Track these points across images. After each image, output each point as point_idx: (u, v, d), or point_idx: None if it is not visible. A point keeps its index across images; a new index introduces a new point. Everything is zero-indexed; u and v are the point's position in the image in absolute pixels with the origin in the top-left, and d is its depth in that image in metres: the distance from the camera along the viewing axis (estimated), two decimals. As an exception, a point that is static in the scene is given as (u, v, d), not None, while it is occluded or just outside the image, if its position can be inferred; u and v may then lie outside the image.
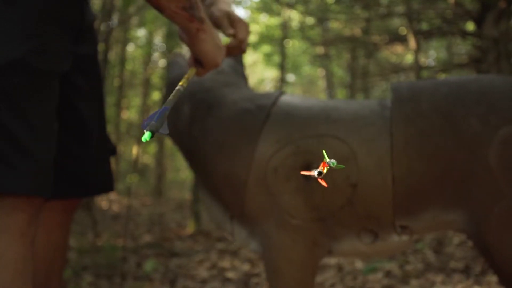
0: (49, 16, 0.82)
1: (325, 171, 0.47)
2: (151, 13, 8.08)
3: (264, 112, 1.07)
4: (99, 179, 0.99)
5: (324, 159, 0.47)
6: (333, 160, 0.47)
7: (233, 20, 0.95)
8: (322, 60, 7.30)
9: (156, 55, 9.98)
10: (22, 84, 0.76)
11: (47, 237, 0.96)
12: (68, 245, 1.03)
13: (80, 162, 0.94)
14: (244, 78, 1.24)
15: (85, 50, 0.95)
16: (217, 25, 0.95)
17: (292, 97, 1.12)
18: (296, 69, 10.48)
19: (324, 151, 0.48)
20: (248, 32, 0.95)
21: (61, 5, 0.85)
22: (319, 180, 0.48)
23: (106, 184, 1.01)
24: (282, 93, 1.14)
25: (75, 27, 0.89)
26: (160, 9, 0.77)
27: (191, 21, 0.78)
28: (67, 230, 1.01)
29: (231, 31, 0.94)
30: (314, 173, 0.47)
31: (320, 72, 8.26)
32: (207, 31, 0.81)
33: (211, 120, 1.10)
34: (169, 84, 1.24)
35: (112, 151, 1.04)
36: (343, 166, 0.49)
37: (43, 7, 0.81)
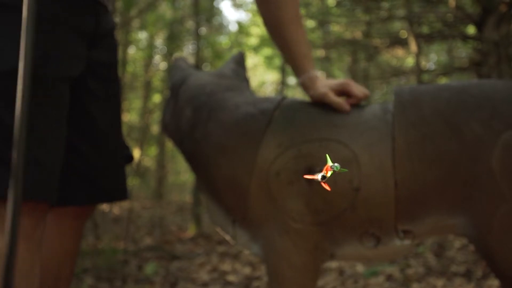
0: (56, 22, 0.82)
1: (328, 175, 0.47)
2: (152, 15, 8.09)
3: (266, 116, 1.07)
4: (113, 186, 0.98)
5: (328, 163, 0.47)
6: (336, 164, 0.47)
7: (341, 88, 1.07)
8: (323, 63, 7.30)
9: (157, 57, 9.99)
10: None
11: (58, 242, 0.96)
12: (78, 251, 1.02)
13: (93, 168, 0.94)
14: (246, 81, 1.24)
15: (101, 56, 0.94)
16: (329, 100, 1.05)
17: (294, 101, 1.12)
18: (297, 72, 10.46)
19: (327, 155, 0.48)
20: (359, 89, 1.08)
21: (68, 11, 0.84)
22: (323, 184, 0.48)
23: (120, 192, 1.00)
24: (284, 97, 1.14)
25: (88, 33, 0.89)
26: None
27: None
28: (78, 236, 1.00)
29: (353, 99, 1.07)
30: (318, 177, 0.47)
31: (321, 75, 8.27)
32: None
33: (213, 124, 1.10)
34: (171, 88, 1.24)
35: (129, 158, 1.03)
36: (346, 170, 0.49)
37: (49, 13, 0.81)
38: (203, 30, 8.26)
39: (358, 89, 1.08)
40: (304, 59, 1.10)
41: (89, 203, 0.98)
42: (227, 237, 1.15)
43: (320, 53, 6.91)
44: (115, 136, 0.99)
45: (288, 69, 7.12)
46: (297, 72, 1.11)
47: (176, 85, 1.22)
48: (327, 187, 0.48)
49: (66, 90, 0.83)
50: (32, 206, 0.76)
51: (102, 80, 0.95)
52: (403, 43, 4.32)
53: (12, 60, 0.76)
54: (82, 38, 0.88)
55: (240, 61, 1.27)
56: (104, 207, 6.24)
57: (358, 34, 5.36)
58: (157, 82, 9.90)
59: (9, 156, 0.74)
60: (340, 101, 1.04)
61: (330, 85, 1.07)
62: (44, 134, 0.78)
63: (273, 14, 1.08)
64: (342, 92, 1.08)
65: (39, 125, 0.77)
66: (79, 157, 0.91)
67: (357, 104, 1.09)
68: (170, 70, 1.30)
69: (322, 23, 5.82)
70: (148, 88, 9.41)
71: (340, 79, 1.12)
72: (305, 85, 1.10)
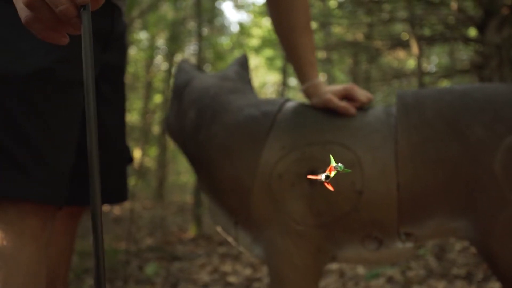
0: None
1: (332, 175, 0.47)
2: (154, 16, 8.11)
3: (269, 118, 1.07)
4: (115, 188, 0.99)
5: (331, 164, 0.47)
6: (340, 164, 0.47)
7: (345, 93, 1.08)
8: (324, 65, 7.31)
9: (158, 58, 10.01)
10: (45, 92, 0.76)
11: (53, 242, 0.96)
12: (73, 249, 1.03)
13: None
14: (249, 84, 1.25)
15: (113, 59, 0.95)
16: (334, 105, 1.06)
17: (297, 104, 1.12)
18: (298, 73, 10.46)
19: (331, 156, 0.48)
20: (359, 91, 1.09)
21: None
22: (326, 184, 0.48)
23: (121, 193, 1.01)
24: (287, 100, 1.15)
25: (103, 36, 0.89)
26: None
27: None
28: (72, 235, 1.01)
29: (357, 103, 1.08)
30: (321, 177, 0.47)
31: (322, 76, 8.28)
32: None
33: (216, 126, 1.10)
34: (175, 90, 1.24)
35: (129, 159, 1.04)
36: (350, 170, 0.49)
37: None
38: (205, 31, 8.27)
39: (361, 93, 1.08)
40: (310, 66, 1.10)
41: (87, 204, 0.98)
42: (229, 239, 1.15)
43: (321, 55, 6.92)
44: (120, 138, 0.99)
45: (290, 70, 7.14)
46: (301, 79, 1.12)
47: (180, 87, 1.22)
48: (330, 188, 0.48)
49: (80, 93, 0.83)
50: (41, 207, 0.76)
51: (112, 83, 0.95)
52: (405, 45, 4.33)
53: (33, 62, 0.75)
54: (97, 41, 0.88)
55: (243, 63, 1.27)
56: (105, 207, 6.24)
57: (359, 36, 5.37)
58: (158, 82, 9.91)
59: (24, 160, 0.74)
60: (345, 105, 1.04)
61: (334, 91, 1.07)
62: (56, 136, 0.78)
63: (284, 20, 1.09)
64: (346, 96, 1.08)
65: (52, 127, 0.77)
66: (84, 158, 0.92)
67: (360, 107, 1.09)
68: (175, 72, 1.31)
69: (324, 25, 5.83)
70: (149, 89, 9.42)
71: (343, 83, 1.13)
72: (308, 92, 1.11)
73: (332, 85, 1.12)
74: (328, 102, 1.05)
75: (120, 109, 0.99)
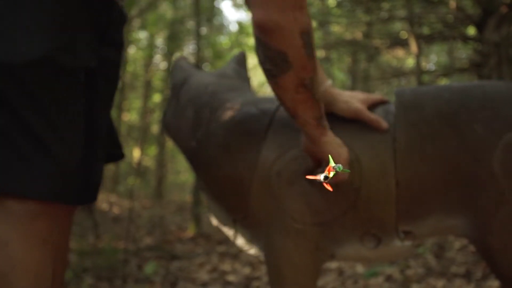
0: (76, 12, 0.80)
1: (331, 175, 0.47)
2: (153, 15, 8.11)
3: (268, 116, 1.07)
4: (92, 187, 0.94)
5: (330, 164, 0.47)
6: (339, 165, 0.47)
7: (368, 102, 1.05)
8: (323, 64, 7.31)
9: (157, 57, 10.01)
10: (48, 82, 0.73)
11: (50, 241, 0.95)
12: (69, 248, 1.02)
13: (91, 168, 0.92)
14: (247, 82, 1.25)
15: (109, 54, 0.92)
16: (365, 117, 1.02)
17: (296, 101, 1.12)
18: (297, 72, 10.46)
19: (330, 156, 0.48)
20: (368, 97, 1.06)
21: (86, 5, 0.82)
22: (325, 184, 0.48)
23: (94, 194, 0.96)
24: (285, 97, 1.14)
25: (102, 25, 0.86)
26: (294, 116, 0.86)
27: (317, 128, 0.87)
28: (67, 233, 1.00)
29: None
30: (320, 177, 0.47)
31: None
32: (328, 134, 0.89)
33: (215, 124, 1.10)
34: (172, 88, 1.24)
35: (121, 156, 1.02)
36: (348, 170, 0.49)
37: (70, 2, 0.79)
38: (204, 30, 8.27)
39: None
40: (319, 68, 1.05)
41: (80, 203, 0.96)
42: (228, 237, 1.15)
43: (320, 53, 6.91)
44: (109, 134, 0.97)
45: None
46: None
47: (177, 85, 1.22)
48: (329, 188, 0.48)
49: (82, 84, 0.79)
50: (50, 206, 0.73)
51: (107, 78, 0.94)
52: (404, 43, 4.33)
53: (33, 50, 0.71)
54: (96, 30, 0.85)
55: (241, 61, 1.27)
56: (104, 206, 6.25)
57: (358, 35, 5.37)
58: (157, 81, 9.92)
59: (30, 153, 0.70)
60: (377, 118, 1.00)
61: (361, 99, 1.03)
62: (64, 130, 0.73)
63: None
64: (369, 106, 1.05)
65: (57, 120, 0.73)
66: (85, 153, 0.90)
67: None
68: (171, 70, 1.30)
69: (323, 24, 5.83)
70: (148, 88, 9.43)
71: (342, 81, 1.11)
72: (324, 98, 1.03)
73: (335, 86, 1.09)
74: (359, 113, 1.00)
75: (109, 105, 0.97)
